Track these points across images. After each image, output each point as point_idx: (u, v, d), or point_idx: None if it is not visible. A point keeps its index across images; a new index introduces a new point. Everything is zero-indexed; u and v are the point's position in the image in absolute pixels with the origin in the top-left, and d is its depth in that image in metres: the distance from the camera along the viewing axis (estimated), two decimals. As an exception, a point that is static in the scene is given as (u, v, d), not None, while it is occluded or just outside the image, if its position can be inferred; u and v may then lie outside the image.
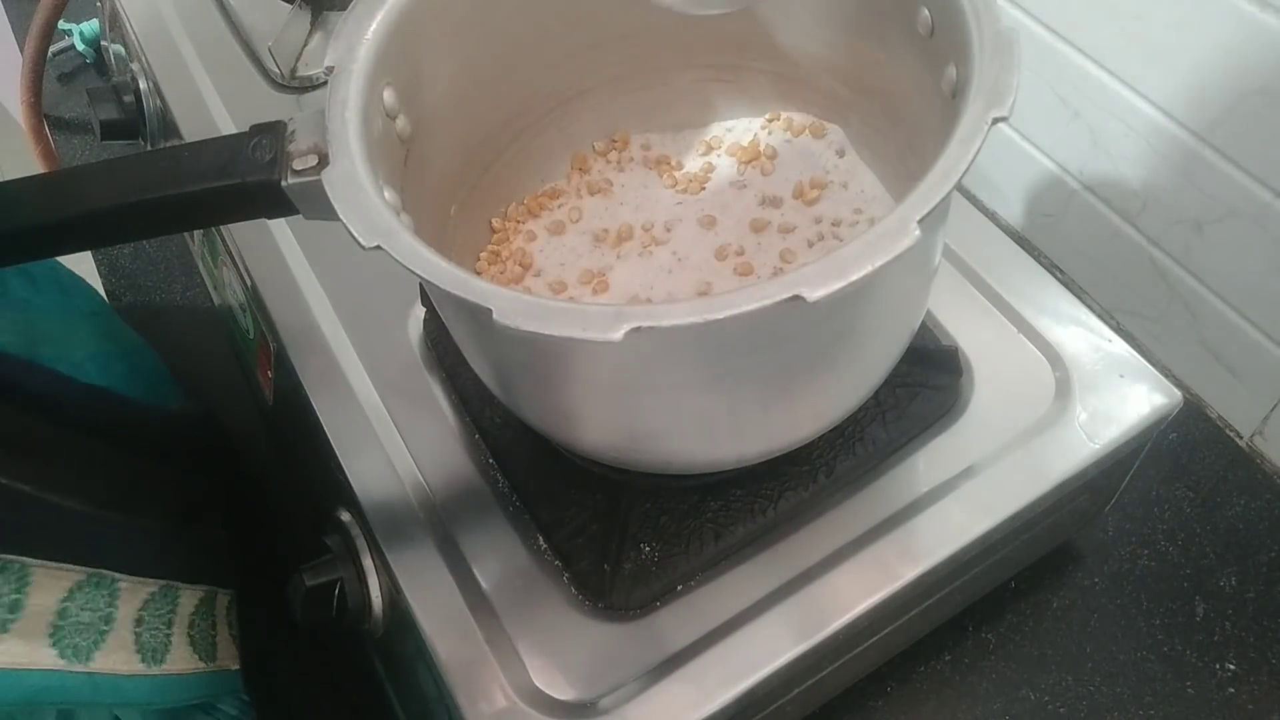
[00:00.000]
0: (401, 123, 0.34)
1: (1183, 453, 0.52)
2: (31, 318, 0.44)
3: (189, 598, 0.42)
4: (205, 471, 0.50)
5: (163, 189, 0.30)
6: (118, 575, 0.39)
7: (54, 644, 0.35)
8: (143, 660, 0.38)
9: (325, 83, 0.32)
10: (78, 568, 0.37)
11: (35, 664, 0.34)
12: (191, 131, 0.53)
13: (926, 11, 0.33)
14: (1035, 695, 0.45)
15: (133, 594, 0.39)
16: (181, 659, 0.40)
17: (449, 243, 0.39)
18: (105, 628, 0.37)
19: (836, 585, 0.36)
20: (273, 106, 0.53)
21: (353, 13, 0.33)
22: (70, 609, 0.36)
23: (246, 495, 0.56)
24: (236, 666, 0.44)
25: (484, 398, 0.41)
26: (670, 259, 0.40)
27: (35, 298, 0.45)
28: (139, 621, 0.39)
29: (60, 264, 0.48)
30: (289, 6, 0.55)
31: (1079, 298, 0.43)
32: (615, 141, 0.45)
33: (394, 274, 0.29)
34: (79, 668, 0.36)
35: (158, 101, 0.56)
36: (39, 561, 0.36)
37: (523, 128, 0.42)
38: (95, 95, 0.58)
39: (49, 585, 0.36)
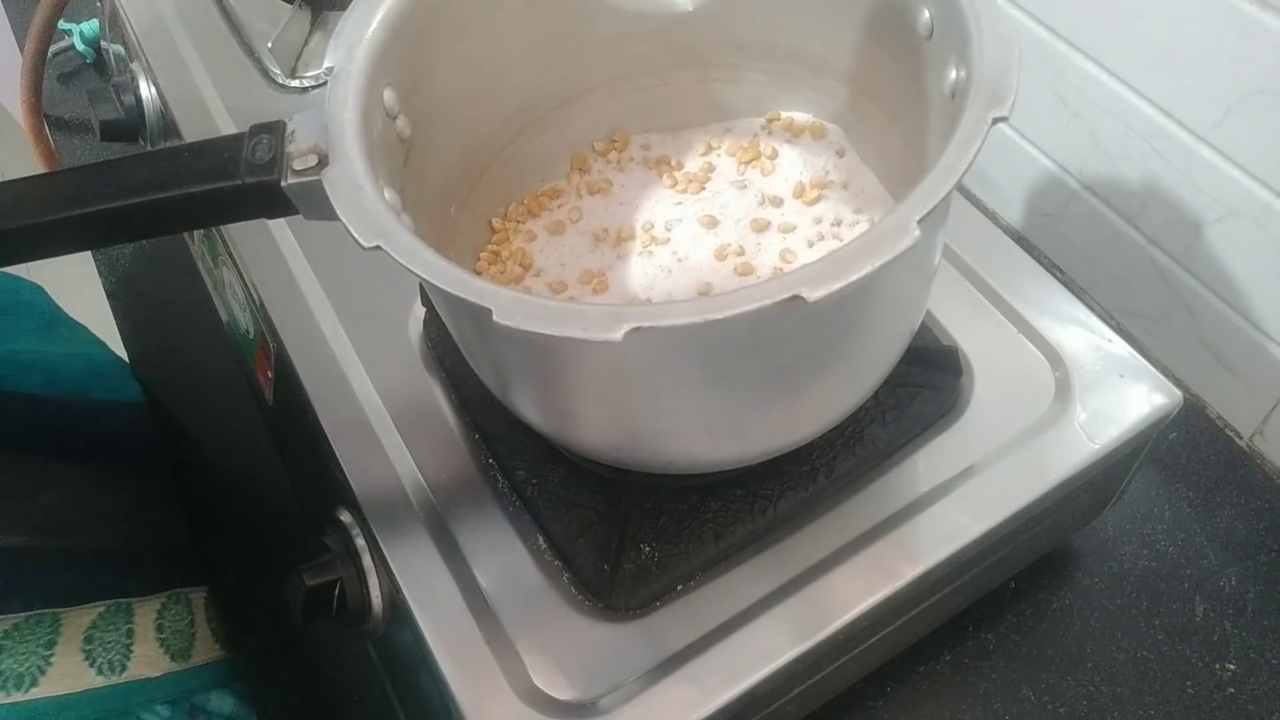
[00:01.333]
0: (401, 123, 0.34)
1: (1183, 453, 0.52)
2: None
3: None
4: (163, 466, 0.50)
5: (163, 189, 0.30)
6: (58, 610, 0.39)
7: None
8: (100, 674, 0.38)
9: (325, 83, 0.32)
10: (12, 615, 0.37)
11: None
12: (191, 131, 0.53)
13: (926, 12, 0.32)
14: (1035, 695, 0.45)
15: (77, 619, 0.39)
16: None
17: (449, 243, 0.39)
18: (48, 652, 0.38)
19: (836, 585, 0.36)
20: (273, 106, 0.53)
21: (353, 13, 0.33)
22: (6, 644, 0.37)
23: (234, 489, 0.56)
24: (159, 673, 0.44)
25: (484, 398, 0.40)
26: (670, 259, 0.40)
27: None
28: (89, 640, 0.39)
29: None
30: (289, 6, 0.55)
31: (1079, 298, 0.43)
32: (615, 141, 0.44)
33: (394, 274, 0.29)
34: (18, 697, 0.36)
35: (158, 101, 0.56)
36: None
37: (523, 128, 0.42)
38: (95, 95, 0.58)
39: None
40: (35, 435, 0.45)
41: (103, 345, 0.55)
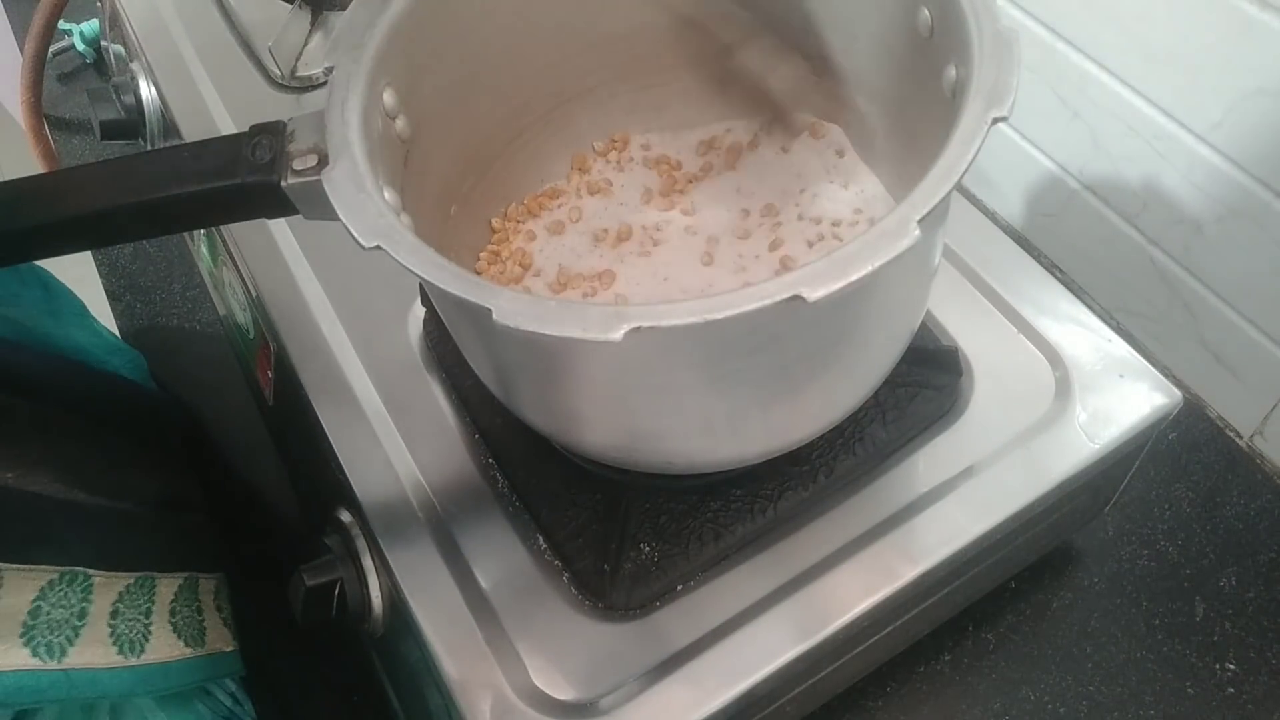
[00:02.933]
0: (401, 123, 0.34)
1: (1183, 453, 0.52)
2: (22, 311, 0.44)
3: (167, 586, 0.42)
4: (186, 460, 0.50)
5: (163, 189, 0.30)
6: (91, 571, 0.39)
7: (27, 644, 0.35)
8: (120, 652, 0.38)
9: (325, 83, 0.32)
10: (50, 567, 0.37)
11: (8, 665, 0.34)
12: (191, 131, 0.53)
13: (926, 12, 0.32)
14: (1035, 695, 0.45)
15: (107, 588, 0.39)
16: (165, 647, 0.40)
17: (449, 243, 0.39)
18: (79, 623, 0.37)
19: (836, 585, 0.36)
20: (273, 106, 0.53)
21: (352, 13, 0.33)
22: (43, 607, 0.36)
23: (236, 489, 0.56)
24: (230, 648, 0.44)
25: (484, 398, 0.40)
26: (670, 259, 0.40)
27: (24, 293, 0.46)
28: (115, 614, 0.39)
29: (41, 267, 0.48)
30: (289, 6, 0.55)
31: (1079, 298, 0.43)
32: (615, 141, 0.44)
33: (394, 274, 0.29)
34: (53, 665, 0.36)
35: (158, 101, 0.56)
36: (10, 565, 0.36)
37: (523, 128, 0.42)
38: (95, 95, 0.58)
39: (21, 585, 0.36)
40: (93, 403, 0.46)
41: (116, 336, 0.56)
